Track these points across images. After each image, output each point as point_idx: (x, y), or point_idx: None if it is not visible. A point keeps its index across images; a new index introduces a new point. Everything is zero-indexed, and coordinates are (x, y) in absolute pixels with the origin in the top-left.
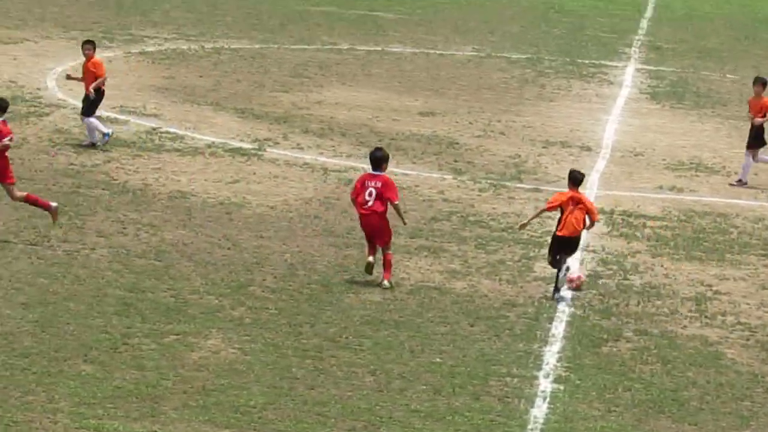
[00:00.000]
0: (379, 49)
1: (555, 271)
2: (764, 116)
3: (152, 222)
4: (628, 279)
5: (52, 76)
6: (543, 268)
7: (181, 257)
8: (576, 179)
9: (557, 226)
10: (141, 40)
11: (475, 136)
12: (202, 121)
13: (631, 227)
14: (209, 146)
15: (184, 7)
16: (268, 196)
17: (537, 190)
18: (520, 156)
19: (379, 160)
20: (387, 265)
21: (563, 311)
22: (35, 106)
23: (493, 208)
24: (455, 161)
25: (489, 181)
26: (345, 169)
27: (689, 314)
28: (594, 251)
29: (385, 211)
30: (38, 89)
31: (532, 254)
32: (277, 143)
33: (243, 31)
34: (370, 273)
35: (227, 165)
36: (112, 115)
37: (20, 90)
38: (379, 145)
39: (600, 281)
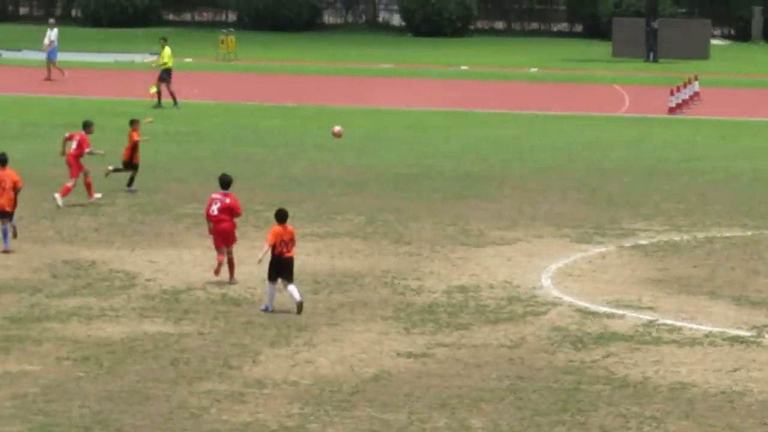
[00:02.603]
0: None
1: None
2: None
3: (654, 415)
4: None
5: (546, 274)
6: None
7: None
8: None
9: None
10: (633, 234)
11: None
12: (699, 311)
13: None
14: (707, 336)
15: (673, 198)
16: None
17: None
18: None
19: None
20: None
21: None
22: (531, 306)
23: None
24: None
25: None
26: None
27: None
28: None
29: None
30: (533, 288)
31: None
32: None
33: (734, 219)
34: None
35: (726, 354)
36: (609, 309)
37: (516, 290)
38: None
39: None
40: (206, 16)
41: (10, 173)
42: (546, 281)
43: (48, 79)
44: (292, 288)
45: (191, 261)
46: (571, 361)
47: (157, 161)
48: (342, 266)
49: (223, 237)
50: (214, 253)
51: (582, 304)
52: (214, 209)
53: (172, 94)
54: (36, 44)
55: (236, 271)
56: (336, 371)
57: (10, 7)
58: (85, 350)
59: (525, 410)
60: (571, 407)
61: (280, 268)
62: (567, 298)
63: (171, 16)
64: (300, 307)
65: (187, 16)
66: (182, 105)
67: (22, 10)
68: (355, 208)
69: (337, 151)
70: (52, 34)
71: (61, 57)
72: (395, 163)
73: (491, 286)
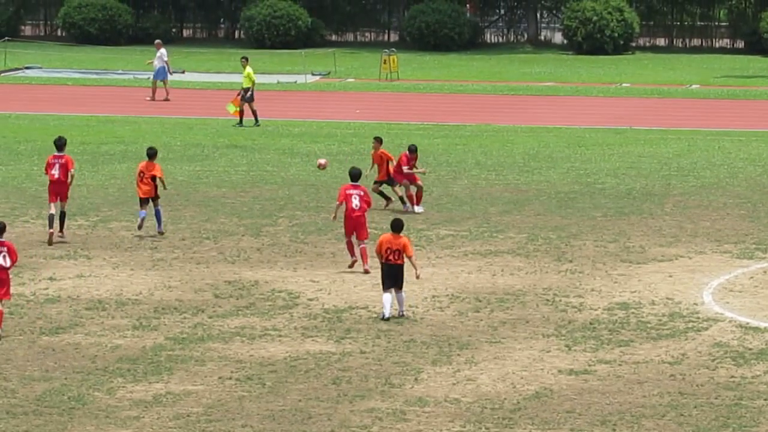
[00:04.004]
0: None
1: None
2: None
3: None
4: None
5: (707, 290)
6: None
7: None
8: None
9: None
10: None
11: None
12: None
13: None
14: None
15: None
16: None
17: None
18: None
19: None
20: None
21: None
22: (693, 322)
23: None
24: None
25: None
26: None
27: None
28: None
29: None
30: (695, 304)
31: None
32: None
33: None
34: None
35: None
36: None
37: (677, 306)
38: None
39: None
40: (368, 36)
41: (157, 166)
42: (707, 297)
43: (152, 99)
44: (401, 297)
45: (353, 280)
46: (732, 376)
47: (319, 180)
48: (503, 284)
49: (361, 227)
50: (376, 273)
51: (743, 319)
52: (357, 203)
53: (254, 113)
54: (198, 66)
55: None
56: (497, 389)
57: (174, 30)
58: (248, 370)
59: (686, 426)
60: (732, 423)
61: (390, 274)
62: (728, 314)
63: (334, 37)
64: (400, 316)
65: (350, 37)
66: (345, 125)
67: (186, 33)
68: (516, 226)
69: (498, 169)
70: (160, 54)
71: (227, 79)
72: (556, 181)
73: (652, 303)
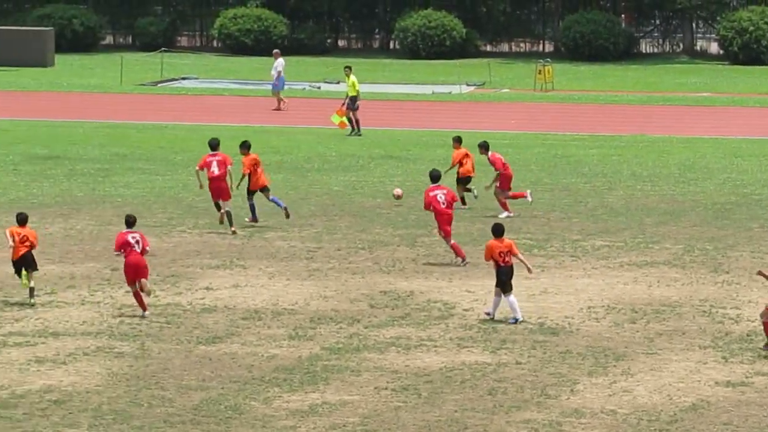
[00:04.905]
0: None
1: None
2: None
3: None
4: None
5: None
6: None
7: None
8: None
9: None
10: None
11: None
12: None
13: None
14: None
15: None
16: None
17: None
18: None
19: None
20: None
21: None
22: None
23: None
24: None
25: None
26: None
27: None
28: None
29: None
30: None
31: None
32: None
33: None
34: None
35: None
36: None
37: None
38: None
39: None
40: (523, 46)
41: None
42: None
43: (277, 109)
44: (513, 301)
45: None
46: None
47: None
48: (659, 295)
49: (450, 223)
50: (528, 282)
51: None
52: (443, 200)
53: (356, 122)
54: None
55: (553, 300)
56: (654, 400)
57: (329, 41)
58: (404, 380)
59: None
60: None
61: (508, 276)
62: None
63: (488, 47)
64: (516, 322)
65: (504, 47)
66: (500, 136)
67: (340, 43)
68: (672, 237)
69: (654, 180)
70: (277, 64)
71: (381, 89)
72: (712, 192)
73: None
